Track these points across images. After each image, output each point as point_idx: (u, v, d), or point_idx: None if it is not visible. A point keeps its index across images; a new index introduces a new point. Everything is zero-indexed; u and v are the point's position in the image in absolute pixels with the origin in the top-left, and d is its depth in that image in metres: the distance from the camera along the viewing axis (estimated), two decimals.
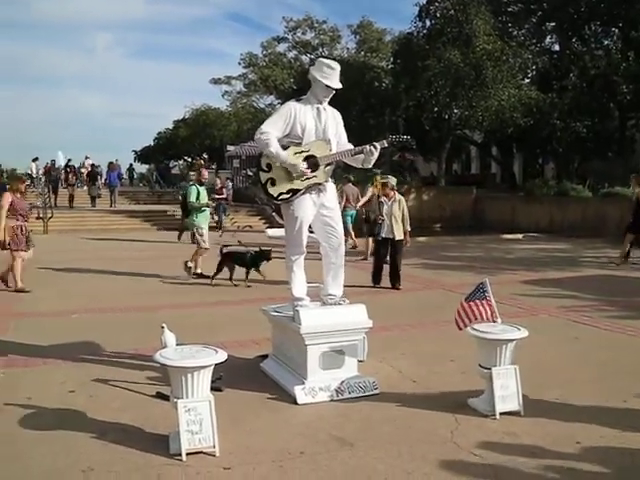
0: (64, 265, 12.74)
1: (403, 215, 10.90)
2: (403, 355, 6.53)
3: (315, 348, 5.25)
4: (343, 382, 5.26)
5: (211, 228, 18.53)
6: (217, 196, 20.99)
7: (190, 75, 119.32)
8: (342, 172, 16.41)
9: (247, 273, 10.73)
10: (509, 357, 4.90)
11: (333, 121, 5.65)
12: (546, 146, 32.46)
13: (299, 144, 5.50)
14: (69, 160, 34.25)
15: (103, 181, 32.18)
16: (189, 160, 56.14)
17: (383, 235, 10.89)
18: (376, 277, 11.04)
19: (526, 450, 4.18)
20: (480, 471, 3.91)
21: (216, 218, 19.99)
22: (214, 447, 4.08)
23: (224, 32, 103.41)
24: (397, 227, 10.78)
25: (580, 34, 31.43)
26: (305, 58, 50.26)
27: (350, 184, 16.75)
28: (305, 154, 5.49)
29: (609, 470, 3.94)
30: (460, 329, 5.15)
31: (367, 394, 5.26)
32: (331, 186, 5.75)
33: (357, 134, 20.87)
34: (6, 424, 4.63)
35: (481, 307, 5.06)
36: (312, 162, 5.48)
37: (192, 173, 20.22)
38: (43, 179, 27.88)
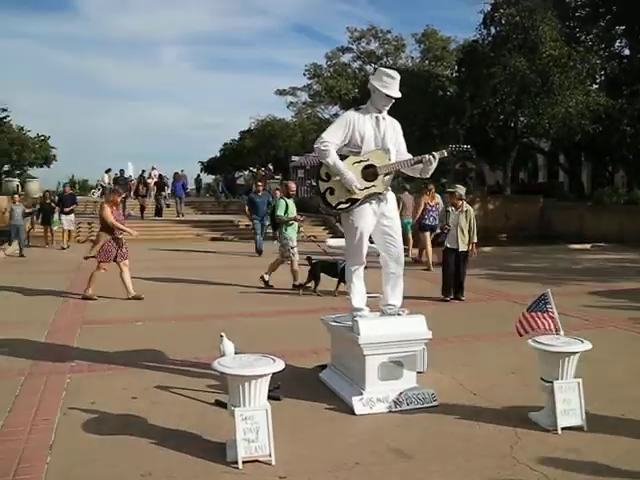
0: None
1: (470, 226, 10.60)
2: (464, 367, 6.44)
3: (373, 359, 5.23)
4: (401, 393, 5.22)
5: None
6: None
7: (256, 86, 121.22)
8: (400, 182, 16.38)
9: (338, 283, 10.56)
10: (572, 370, 4.78)
11: (392, 130, 5.64)
12: (616, 153, 31.54)
13: (358, 153, 5.51)
14: (143, 171, 35.02)
15: (169, 191, 32.78)
16: (254, 170, 56.80)
17: (448, 245, 10.67)
18: (445, 289, 10.67)
19: (587, 467, 4.06)
20: None
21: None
22: (270, 456, 4.10)
23: (289, 44, 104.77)
24: (463, 238, 10.52)
25: None
26: (369, 68, 50.17)
27: (407, 193, 16.70)
28: (364, 163, 5.50)
29: None
30: (520, 335, 5.06)
31: (426, 406, 5.21)
32: (391, 195, 5.74)
33: (421, 143, 20.87)
34: (70, 427, 4.76)
35: (542, 319, 4.96)
36: (371, 172, 5.49)
37: (260, 183, 20.37)
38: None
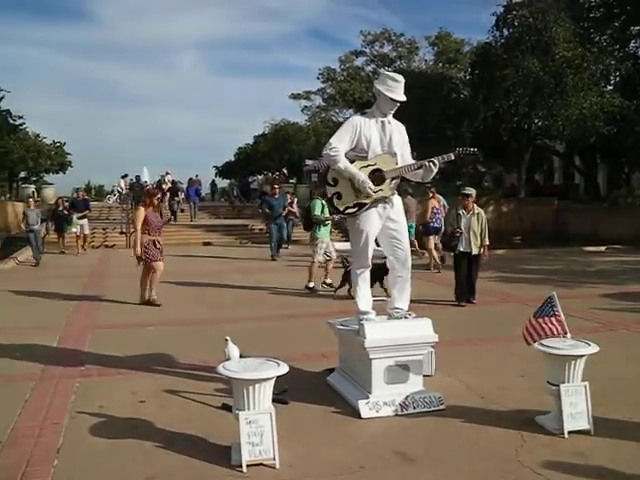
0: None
1: (482, 229, 10.51)
2: (472, 370, 6.42)
3: (379, 362, 5.23)
4: (408, 397, 5.22)
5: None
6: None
7: (271, 91, 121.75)
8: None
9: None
10: (579, 373, 4.75)
11: (398, 134, 5.64)
12: (631, 155, 31.34)
13: (365, 158, 5.51)
14: (162, 177, 35.15)
15: (183, 196, 32.92)
16: (268, 174, 56.98)
17: (461, 249, 10.52)
18: (459, 294, 10.53)
19: (593, 471, 4.05)
20: None
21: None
22: (274, 459, 4.12)
23: (303, 48, 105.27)
24: (475, 241, 10.43)
25: None
26: (383, 71, 50.14)
27: (409, 196, 16.73)
28: (371, 168, 5.50)
29: None
30: (529, 344, 5.04)
31: (432, 409, 5.20)
32: (398, 199, 5.74)
33: (435, 145, 20.79)
34: (78, 431, 4.81)
35: (550, 324, 4.95)
36: (378, 176, 5.49)
37: (276, 186, 20.31)
38: (130, 195, 28.82)
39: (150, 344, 7.60)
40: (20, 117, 36.68)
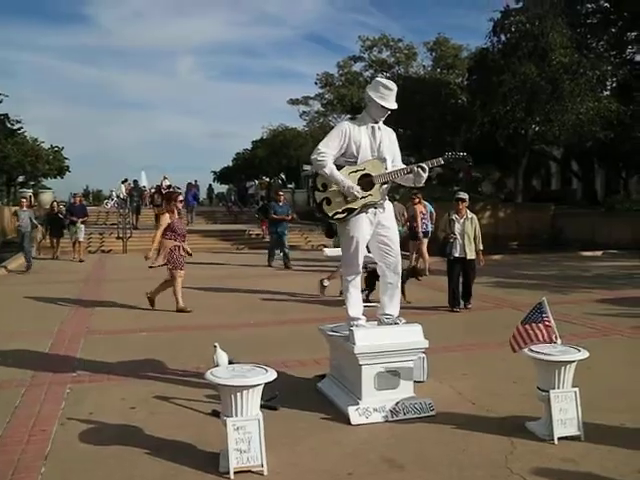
0: (140, 283, 13.06)
1: (475, 233, 10.49)
2: (464, 376, 6.41)
3: (369, 368, 5.22)
4: (398, 403, 5.20)
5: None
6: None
7: (269, 96, 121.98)
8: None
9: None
10: (569, 379, 4.74)
11: (388, 140, 5.62)
12: (629, 160, 31.38)
13: (354, 163, 5.50)
14: (162, 181, 35.21)
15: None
16: (262, 179, 57.04)
17: (456, 255, 10.47)
18: (452, 300, 10.50)
19: (583, 477, 4.04)
20: None
21: None
22: (262, 466, 4.10)
23: (301, 53, 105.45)
24: (470, 246, 10.40)
25: None
26: (381, 77, 50.16)
27: (396, 202, 16.74)
28: (360, 173, 5.48)
29: None
30: (514, 351, 5.03)
31: (423, 415, 5.18)
32: (389, 205, 5.72)
33: (433, 150, 20.79)
34: (67, 438, 4.78)
35: (537, 330, 4.94)
36: (367, 181, 5.47)
37: (281, 193, 19.99)
38: (129, 199, 28.79)
39: (142, 350, 7.58)
40: (18, 121, 36.72)
